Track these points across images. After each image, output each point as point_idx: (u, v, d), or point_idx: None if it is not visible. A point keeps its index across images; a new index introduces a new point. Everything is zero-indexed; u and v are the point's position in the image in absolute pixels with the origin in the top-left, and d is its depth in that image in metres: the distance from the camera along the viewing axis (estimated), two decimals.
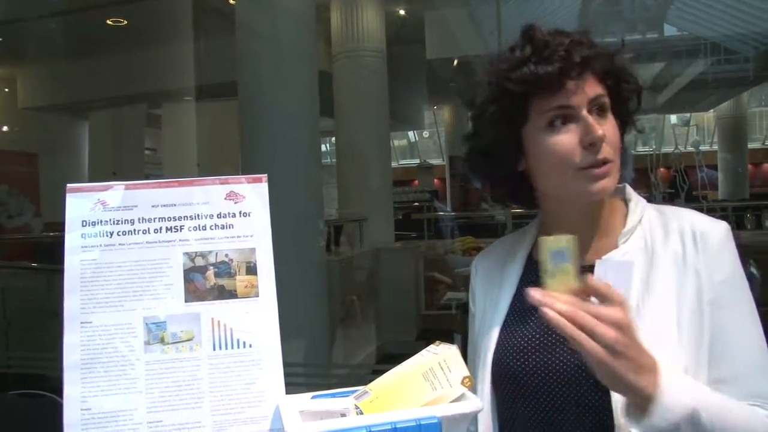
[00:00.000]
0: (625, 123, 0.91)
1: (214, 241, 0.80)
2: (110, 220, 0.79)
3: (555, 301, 0.69)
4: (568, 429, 0.83)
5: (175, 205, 0.80)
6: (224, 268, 0.79)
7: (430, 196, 10.87)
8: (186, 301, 0.77)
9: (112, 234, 0.78)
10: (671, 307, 0.81)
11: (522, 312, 0.91)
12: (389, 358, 5.14)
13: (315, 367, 3.36)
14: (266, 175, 0.83)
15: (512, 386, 0.87)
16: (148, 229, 0.79)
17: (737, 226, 7.31)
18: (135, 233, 0.78)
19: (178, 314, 0.76)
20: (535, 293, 0.70)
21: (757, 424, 0.77)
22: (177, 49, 6.62)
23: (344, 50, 6.48)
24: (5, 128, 8.92)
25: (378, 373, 0.77)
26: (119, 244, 0.78)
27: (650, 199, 0.94)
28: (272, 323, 0.78)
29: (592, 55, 0.83)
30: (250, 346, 0.76)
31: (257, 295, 0.78)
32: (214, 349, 0.76)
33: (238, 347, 0.76)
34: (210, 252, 0.79)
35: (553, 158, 0.84)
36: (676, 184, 5.77)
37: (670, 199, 6.24)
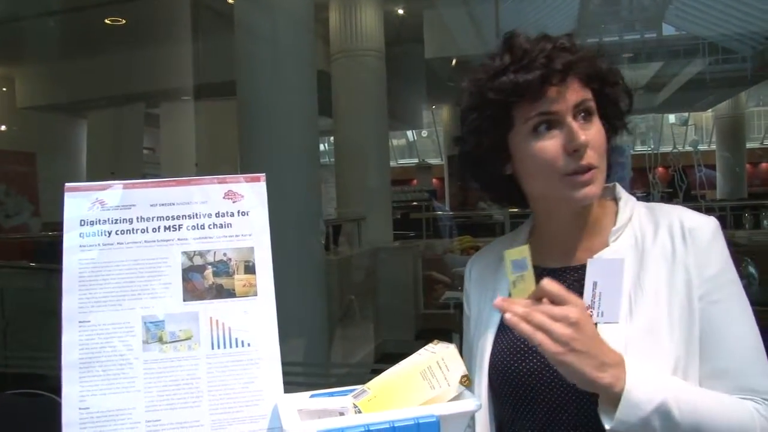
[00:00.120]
0: (614, 125, 0.91)
1: (213, 240, 0.80)
2: (108, 219, 0.79)
3: (513, 305, 0.74)
4: (568, 429, 0.83)
5: (173, 204, 0.80)
6: (222, 268, 0.79)
7: (429, 196, 10.86)
8: (184, 301, 0.77)
9: (110, 233, 0.78)
10: (662, 302, 0.82)
11: None
12: (388, 357, 5.14)
13: (313, 366, 3.36)
14: (264, 174, 0.83)
15: (510, 388, 0.87)
16: (147, 228, 0.79)
17: (735, 225, 7.31)
18: (133, 232, 0.79)
19: (176, 313, 0.76)
20: (497, 300, 0.76)
21: (743, 416, 0.77)
22: (175, 49, 6.61)
23: (343, 50, 6.47)
24: (3, 128, 8.90)
25: (376, 372, 0.77)
26: (117, 244, 0.78)
27: (649, 199, 0.94)
28: (271, 322, 0.78)
29: (574, 61, 0.82)
30: (249, 345, 0.77)
31: (255, 294, 0.78)
32: (213, 348, 0.76)
33: (237, 346, 0.76)
34: (208, 251, 0.79)
35: (538, 164, 0.84)
36: (674, 183, 5.78)
37: (669, 198, 6.25)
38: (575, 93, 0.83)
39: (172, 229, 0.79)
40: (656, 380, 0.75)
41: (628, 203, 0.92)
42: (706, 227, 0.85)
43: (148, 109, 8.88)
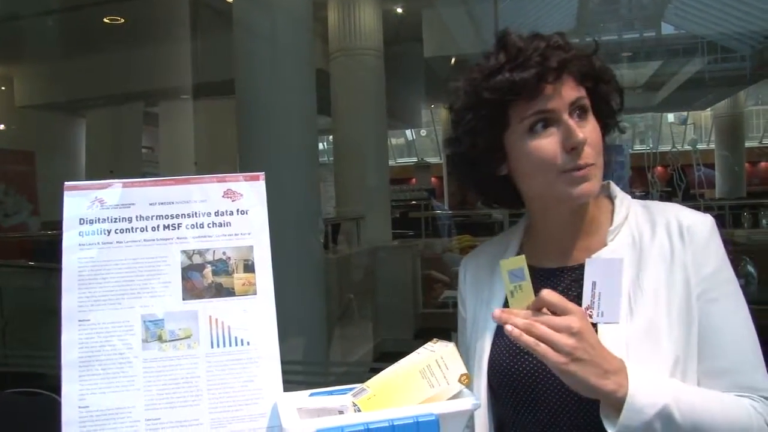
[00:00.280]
0: (607, 123, 0.91)
1: (212, 239, 0.80)
2: (108, 218, 0.79)
3: (513, 317, 0.74)
4: (570, 430, 0.83)
5: (172, 203, 0.80)
6: (222, 266, 0.79)
7: (428, 195, 10.84)
8: (184, 299, 0.77)
9: (109, 232, 0.78)
10: (662, 302, 0.82)
11: None
12: (387, 356, 5.14)
13: (313, 364, 3.36)
14: (264, 173, 0.83)
15: (510, 389, 0.87)
16: (146, 227, 0.79)
17: (734, 224, 7.31)
18: (132, 231, 0.78)
19: (175, 312, 0.76)
20: (496, 312, 0.75)
21: (741, 414, 0.77)
22: (174, 47, 6.61)
23: (341, 48, 6.47)
24: (2, 126, 8.90)
25: (376, 370, 0.77)
26: (117, 242, 0.78)
27: (648, 198, 0.94)
28: (270, 321, 0.78)
29: (569, 59, 0.82)
30: (248, 343, 0.77)
31: (255, 293, 0.78)
32: (212, 347, 0.76)
33: (236, 345, 0.76)
34: (207, 250, 0.79)
35: (536, 162, 0.84)
36: (673, 182, 5.78)
37: (668, 197, 6.25)
38: (571, 91, 0.83)
39: (171, 227, 0.79)
40: (657, 384, 0.75)
41: (624, 201, 0.92)
42: (703, 225, 0.85)
43: (147, 108, 8.88)
